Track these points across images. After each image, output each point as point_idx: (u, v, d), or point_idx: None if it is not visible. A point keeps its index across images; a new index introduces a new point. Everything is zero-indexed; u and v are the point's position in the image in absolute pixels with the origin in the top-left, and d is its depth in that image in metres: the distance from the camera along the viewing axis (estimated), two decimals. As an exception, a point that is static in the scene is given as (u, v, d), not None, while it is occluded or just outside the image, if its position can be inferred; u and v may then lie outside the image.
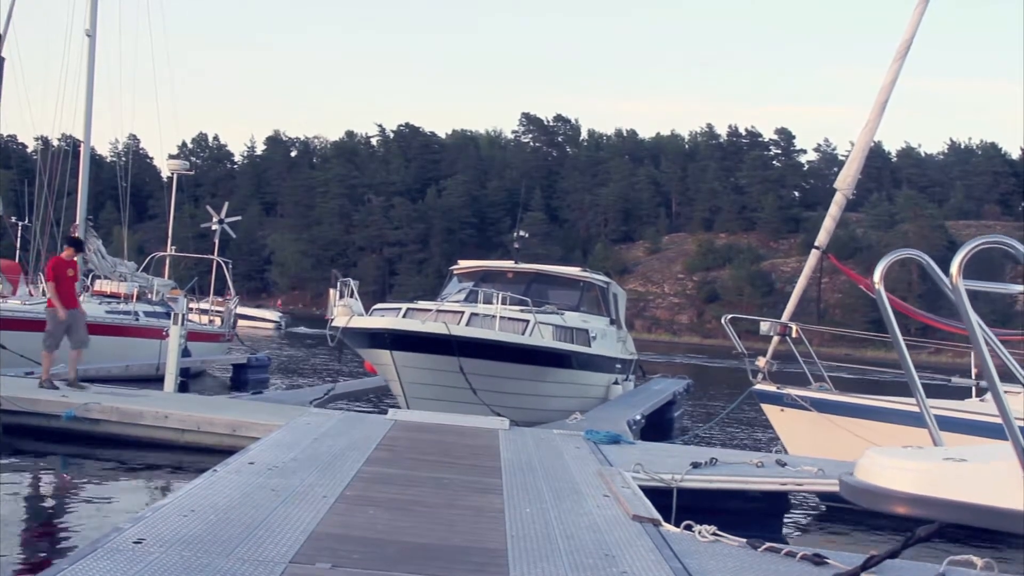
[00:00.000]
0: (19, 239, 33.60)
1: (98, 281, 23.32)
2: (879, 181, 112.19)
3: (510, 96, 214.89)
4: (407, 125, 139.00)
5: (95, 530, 6.48)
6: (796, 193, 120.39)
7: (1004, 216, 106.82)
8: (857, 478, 3.05)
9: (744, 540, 5.59)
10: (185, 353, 16.07)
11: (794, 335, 11.99)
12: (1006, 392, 3.13)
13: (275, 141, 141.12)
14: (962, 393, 11.75)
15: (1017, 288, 3.77)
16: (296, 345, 38.28)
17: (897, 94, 12.73)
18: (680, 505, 7.41)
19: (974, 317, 2.92)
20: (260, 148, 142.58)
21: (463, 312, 13.76)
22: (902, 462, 2.98)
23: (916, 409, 4.62)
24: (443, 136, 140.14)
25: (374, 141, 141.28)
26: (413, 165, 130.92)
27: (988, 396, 9.71)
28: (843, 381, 13.44)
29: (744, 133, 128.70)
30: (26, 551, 6.29)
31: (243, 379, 20.76)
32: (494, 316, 13.58)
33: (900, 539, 4.57)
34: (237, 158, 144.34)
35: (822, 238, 12.93)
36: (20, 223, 34.22)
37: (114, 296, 22.03)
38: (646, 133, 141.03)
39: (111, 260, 23.72)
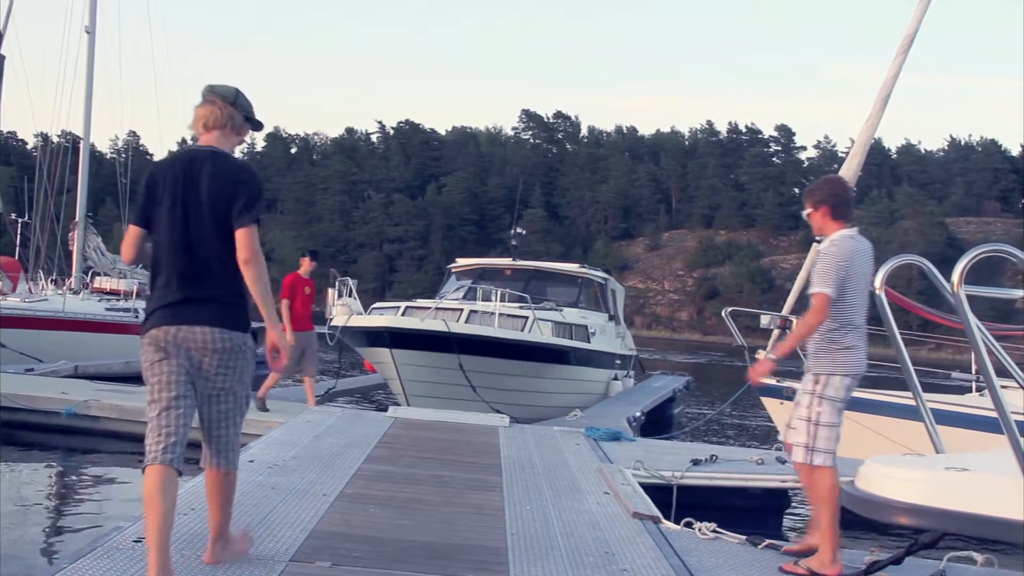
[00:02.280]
0: (19, 236, 33.52)
1: (98, 278, 23.33)
2: (879, 178, 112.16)
3: (510, 93, 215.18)
4: (407, 122, 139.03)
5: (95, 528, 6.48)
6: (796, 190, 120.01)
7: (1004, 213, 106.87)
8: (859, 487, 3.04)
9: (744, 537, 5.60)
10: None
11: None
12: (1003, 387, 3.13)
13: (275, 137, 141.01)
14: (962, 389, 11.74)
15: (1018, 293, 3.79)
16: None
17: (897, 90, 12.67)
18: (680, 502, 7.40)
19: (975, 323, 2.92)
20: (260, 144, 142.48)
21: (462, 309, 13.76)
22: (903, 472, 2.98)
23: (915, 404, 4.64)
24: (443, 133, 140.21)
25: (374, 138, 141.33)
26: (413, 162, 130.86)
27: (987, 392, 9.69)
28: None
29: (744, 130, 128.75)
30: (26, 549, 6.29)
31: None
32: (493, 313, 13.58)
33: (900, 536, 4.57)
34: (237, 154, 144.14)
35: (823, 234, 12.89)
36: (20, 220, 34.14)
37: (114, 293, 22.05)
38: (646, 130, 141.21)
39: (111, 257, 23.68)
